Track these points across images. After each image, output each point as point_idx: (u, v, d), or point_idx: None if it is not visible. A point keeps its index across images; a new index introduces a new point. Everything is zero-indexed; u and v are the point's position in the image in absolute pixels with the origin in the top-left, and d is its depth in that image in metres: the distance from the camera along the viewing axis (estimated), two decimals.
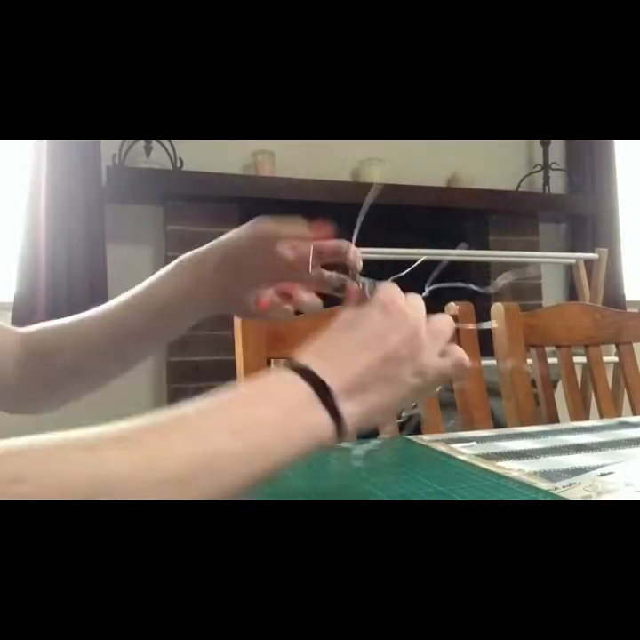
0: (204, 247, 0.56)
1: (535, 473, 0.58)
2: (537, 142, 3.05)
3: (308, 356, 0.40)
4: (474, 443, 0.74)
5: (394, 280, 0.48)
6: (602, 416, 1.10)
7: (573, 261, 2.36)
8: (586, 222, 3.05)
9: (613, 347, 1.24)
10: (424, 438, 0.78)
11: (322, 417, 0.37)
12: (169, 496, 0.31)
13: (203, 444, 0.33)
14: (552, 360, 1.14)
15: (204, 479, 0.33)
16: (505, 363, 1.07)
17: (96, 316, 0.60)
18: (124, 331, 0.58)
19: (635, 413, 1.12)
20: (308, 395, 0.38)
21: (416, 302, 0.44)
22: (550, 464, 0.62)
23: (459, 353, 0.44)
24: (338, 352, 0.40)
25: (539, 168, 3.02)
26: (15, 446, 0.28)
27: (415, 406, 0.48)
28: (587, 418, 1.17)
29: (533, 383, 1.11)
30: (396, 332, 0.41)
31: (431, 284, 0.50)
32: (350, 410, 0.38)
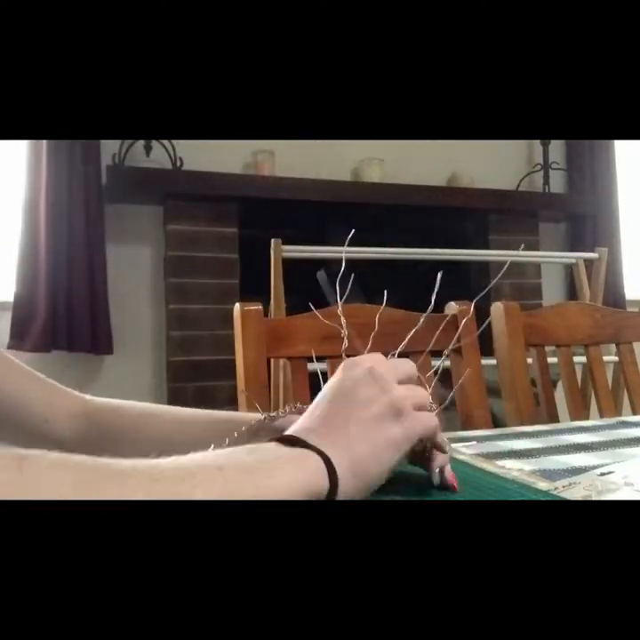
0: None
1: (535, 472, 0.58)
2: (537, 142, 3.05)
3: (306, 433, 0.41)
4: (474, 442, 0.74)
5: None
6: (602, 416, 1.10)
7: (573, 261, 2.36)
8: (586, 222, 3.05)
9: (613, 346, 1.24)
10: None
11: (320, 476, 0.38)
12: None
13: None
14: (552, 360, 1.14)
15: None
16: (505, 363, 1.07)
17: (182, 419, 0.59)
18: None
19: (635, 413, 1.12)
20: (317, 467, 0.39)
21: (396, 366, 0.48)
22: (550, 463, 0.62)
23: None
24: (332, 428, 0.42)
25: (539, 168, 3.02)
26: None
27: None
28: (587, 417, 1.17)
29: (533, 383, 1.11)
30: (378, 402, 0.44)
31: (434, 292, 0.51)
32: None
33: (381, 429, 0.42)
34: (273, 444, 0.39)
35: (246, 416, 0.57)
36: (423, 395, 0.47)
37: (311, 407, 0.44)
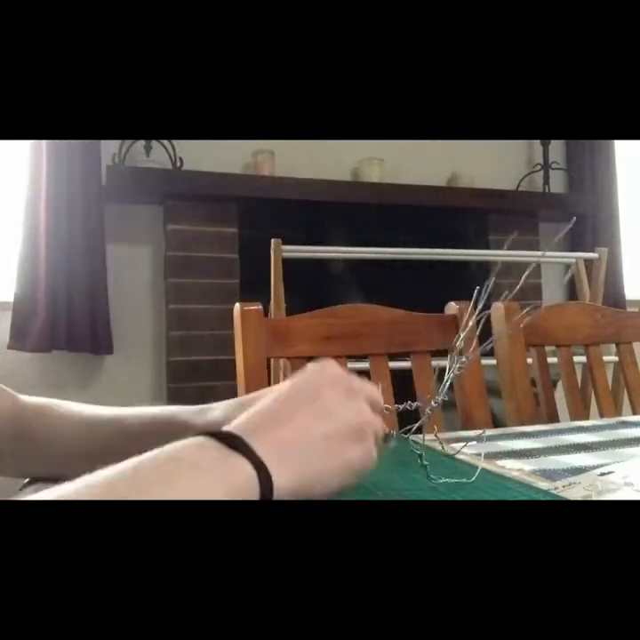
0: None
1: (535, 472, 0.58)
2: (537, 142, 3.05)
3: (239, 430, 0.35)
4: (474, 442, 0.74)
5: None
6: (602, 415, 1.10)
7: (573, 261, 2.36)
8: (586, 222, 3.05)
9: (613, 346, 1.24)
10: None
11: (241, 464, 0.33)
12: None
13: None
14: (552, 360, 1.14)
15: None
16: (505, 363, 1.07)
17: (109, 421, 0.55)
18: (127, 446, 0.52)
19: (635, 413, 1.12)
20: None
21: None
22: (550, 463, 0.62)
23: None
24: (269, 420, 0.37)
25: (539, 167, 3.02)
26: None
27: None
28: (587, 417, 1.17)
29: (533, 383, 1.11)
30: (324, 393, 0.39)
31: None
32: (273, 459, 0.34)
33: (339, 448, 0.37)
34: (206, 444, 0.33)
35: (183, 413, 0.52)
36: (381, 428, 0.43)
37: (265, 400, 0.38)
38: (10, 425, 0.54)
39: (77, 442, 0.54)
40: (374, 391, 0.44)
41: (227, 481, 0.32)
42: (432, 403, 0.50)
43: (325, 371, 0.40)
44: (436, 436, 0.65)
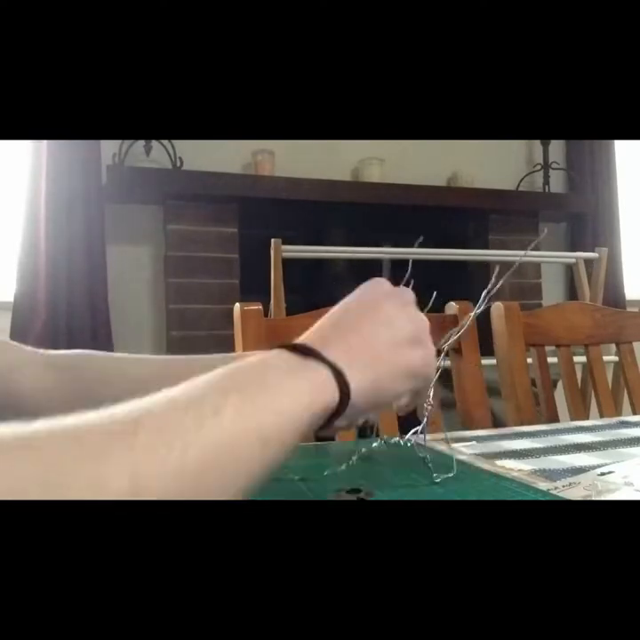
0: None
1: (535, 472, 0.58)
2: (537, 142, 3.05)
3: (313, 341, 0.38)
4: (474, 442, 0.74)
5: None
6: (602, 415, 1.10)
7: (573, 261, 2.36)
8: (586, 221, 3.05)
9: (613, 346, 1.24)
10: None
11: (322, 373, 0.35)
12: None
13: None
14: (552, 360, 1.14)
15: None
16: (505, 363, 1.07)
17: (155, 363, 0.56)
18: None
19: (635, 413, 1.12)
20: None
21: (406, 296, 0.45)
22: (550, 463, 0.62)
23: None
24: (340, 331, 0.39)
25: (539, 167, 3.02)
26: None
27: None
28: (587, 417, 1.17)
29: (533, 383, 1.11)
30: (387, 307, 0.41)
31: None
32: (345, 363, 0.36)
33: (402, 353, 0.40)
34: (283, 354, 0.36)
35: (226, 358, 0.53)
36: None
37: (331, 313, 0.41)
38: (52, 376, 0.53)
39: (153, 378, 0.52)
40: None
41: (311, 381, 0.34)
42: (428, 406, 0.50)
43: (380, 285, 0.43)
44: (446, 437, 0.65)
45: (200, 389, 0.31)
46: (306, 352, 0.35)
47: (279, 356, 0.35)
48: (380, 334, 0.39)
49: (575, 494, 0.49)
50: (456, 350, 1.03)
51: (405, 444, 0.68)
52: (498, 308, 1.08)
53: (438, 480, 0.54)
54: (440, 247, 2.20)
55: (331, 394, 0.35)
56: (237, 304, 0.95)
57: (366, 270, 2.33)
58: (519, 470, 0.59)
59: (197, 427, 0.29)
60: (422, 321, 0.43)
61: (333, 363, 0.35)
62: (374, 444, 0.69)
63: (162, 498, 0.27)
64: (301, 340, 0.37)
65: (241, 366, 0.34)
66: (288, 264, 1.81)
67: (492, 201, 2.76)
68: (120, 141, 2.36)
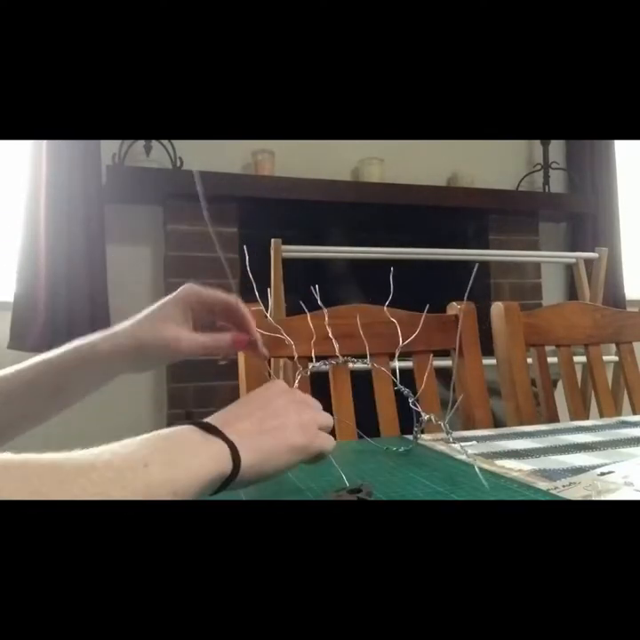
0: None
1: (535, 472, 0.58)
2: (537, 142, 3.05)
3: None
4: (474, 442, 0.74)
5: None
6: (602, 415, 1.10)
7: (573, 261, 2.36)
8: (586, 222, 3.05)
9: (613, 346, 1.24)
10: (424, 438, 0.78)
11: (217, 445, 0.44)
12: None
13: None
14: (552, 360, 1.14)
15: None
16: (505, 363, 1.07)
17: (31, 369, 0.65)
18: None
19: (635, 413, 1.12)
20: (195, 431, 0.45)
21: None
22: (550, 463, 0.62)
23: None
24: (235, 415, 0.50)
25: (539, 167, 3.02)
26: None
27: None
28: (587, 417, 1.17)
29: (533, 383, 1.11)
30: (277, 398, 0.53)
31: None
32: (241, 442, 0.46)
33: (286, 436, 0.49)
34: (195, 429, 0.45)
35: (87, 343, 0.67)
36: (328, 421, 0.54)
37: (235, 402, 0.52)
38: None
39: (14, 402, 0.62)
40: (328, 419, 0.55)
41: (212, 453, 0.44)
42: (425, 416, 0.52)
43: (277, 385, 0.55)
44: (451, 437, 0.65)
45: (136, 446, 0.40)
46: (211, 430, 0.45)
47: (192, 430, 0.45)
48: (268, 421, 0.49)
49: (575, 494, 0.49)
50: (456, 350, 1.03)
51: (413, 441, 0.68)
52: (498, 307, 1.08)
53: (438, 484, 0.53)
54: (440, 247, 2.20)
55: (226, 463, 0.44)
56: None
57: (366, 270, 2.34)
58: (519, 470, 0.59)
59: (133, 474, 0.37)
60: (308, 413, 0.53)
61: (231, 440, 0.45)
62: (372, 444, 0.69)
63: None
64: (208, 419, 0.47)
65: (162, 434, 0.43)
66: (288, 264, 1.81)
67: (491, 201, 2.76)
68: (120, 141, 2.36)
